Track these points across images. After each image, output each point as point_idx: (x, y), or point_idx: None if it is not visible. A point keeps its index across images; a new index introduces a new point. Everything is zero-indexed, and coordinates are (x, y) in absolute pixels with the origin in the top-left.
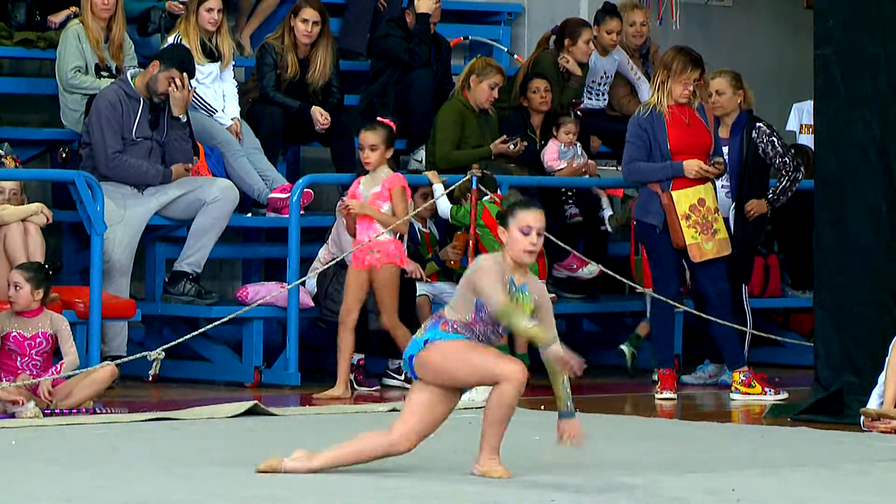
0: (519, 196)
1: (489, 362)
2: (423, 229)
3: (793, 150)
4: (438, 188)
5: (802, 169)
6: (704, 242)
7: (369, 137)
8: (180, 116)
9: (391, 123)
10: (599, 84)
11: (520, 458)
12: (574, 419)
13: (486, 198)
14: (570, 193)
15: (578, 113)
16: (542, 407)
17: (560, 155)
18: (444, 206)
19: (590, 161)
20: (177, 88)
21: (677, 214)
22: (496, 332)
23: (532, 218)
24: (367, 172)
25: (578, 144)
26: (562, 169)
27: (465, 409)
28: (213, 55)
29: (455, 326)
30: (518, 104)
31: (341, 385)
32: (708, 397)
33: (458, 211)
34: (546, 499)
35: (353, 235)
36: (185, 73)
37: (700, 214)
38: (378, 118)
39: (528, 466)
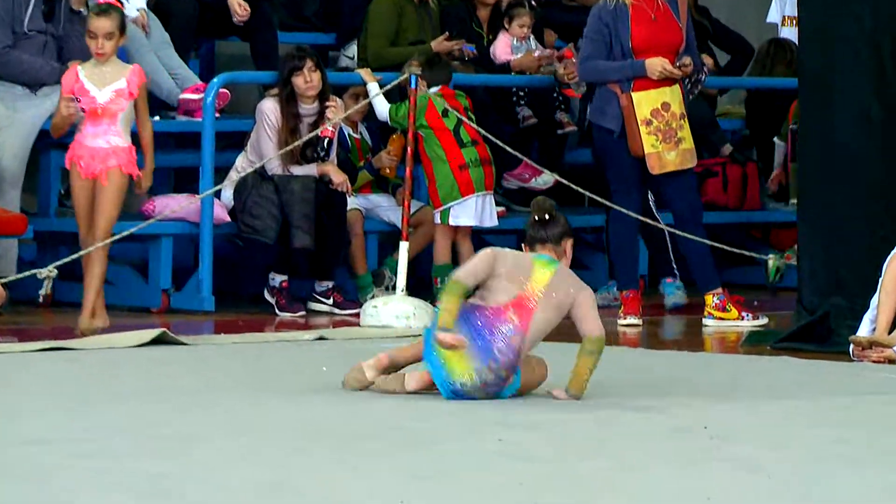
0: (536, 220)
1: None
2: (354, 134)
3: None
4: (373, 87)
5: (706, 70)
6: (665, 152)
7: (105, 24)
8: (80, 10)
9: (120, 5)
10: None
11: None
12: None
13: (432, 89)
14: (522, 93)
15: (533, 3)
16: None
17: (513, 49)
18: (381, 107)
19: (548, 51)
20: None
21: (637, 119)
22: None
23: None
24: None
25: (532, 38)
26: (517, 59)
27: (404, 336)
28: None
29: None
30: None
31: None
32: (677, 323)
33: (397, 111)
34: (492, 437)
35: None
36: None
37: (663, 120)
38: None
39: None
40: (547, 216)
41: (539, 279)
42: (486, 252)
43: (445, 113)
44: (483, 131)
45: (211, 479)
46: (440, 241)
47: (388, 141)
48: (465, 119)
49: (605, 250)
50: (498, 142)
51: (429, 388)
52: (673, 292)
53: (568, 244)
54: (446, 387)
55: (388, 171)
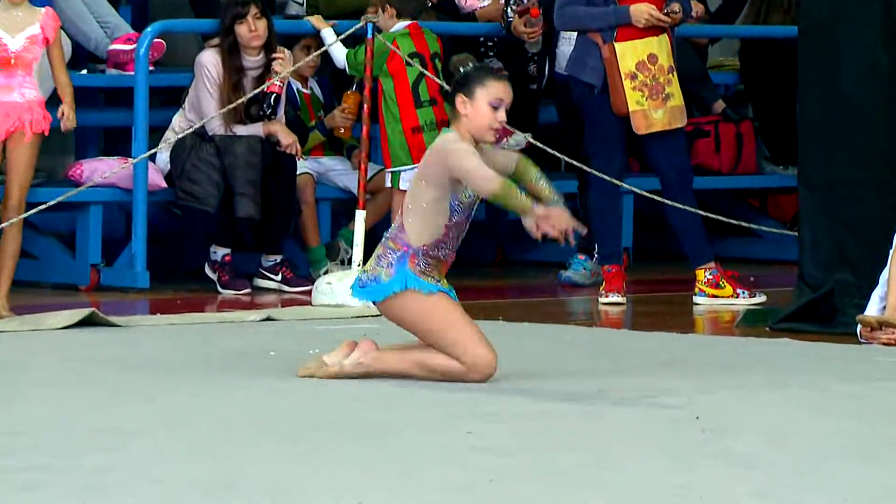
0: (475, 61)
1: (463, 345)
2: (304, 90)
3: None
4: (328, 33)
5: (695, 15)
6: (652, 110)
7: None
8: None
9: None
10: None
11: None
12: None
13: (397, 26)
14: (490, 44)
15: None
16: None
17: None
18: (338, 54)
19: None
20: None
21: (620, 72)
22: (465, 226)
23: (503, 90)
24: None
25: None
26: (484, 8)
27: (361, 316)
28: None
29: (427, 260)
30: None
31: None
32: (665, 301)
33: (356, 55)
34: (462, 429)
35: None
36: None
37: (649, 74)
38: None
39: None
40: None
41: None
42: (457, 151)
43: (409, 59)
44: (446, 86)
45: (151, 476)
46: (398, 208)
47: (341, 97)
48: (427, 73)
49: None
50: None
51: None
52: (577, 268)
53: (458, 100)
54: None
55: (342, 131)
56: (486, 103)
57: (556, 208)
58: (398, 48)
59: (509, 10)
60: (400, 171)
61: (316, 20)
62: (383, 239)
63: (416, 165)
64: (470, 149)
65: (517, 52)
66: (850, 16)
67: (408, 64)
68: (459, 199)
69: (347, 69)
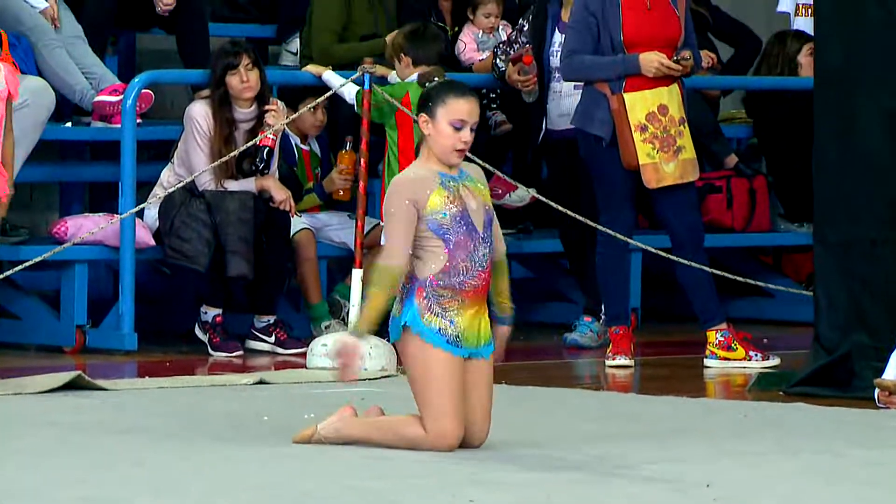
0: (445, 77)
1: (436, 411)
2: (303, 146)
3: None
4: (330, 76)
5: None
6: (664, 163)
7: None
8: None
9: None
10: None
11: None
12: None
13: (412, 77)
14: (493, 95)
15: None
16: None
17: (479, 45)
18: (349, 93)
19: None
20: None
21: (629, 124)
22: (477, 246)
23: (467, 110)
24: None
25: (502, 29)
26: (482, 61)
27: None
28: None
29: (438, 293)
30: None
31: None
32: (674, 364)
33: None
34: (463, 497)
35: None
36: None
37: (660, 126)
38: None
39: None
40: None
41: None
42: (387, 205)
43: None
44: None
45: None
46: None
47: (336, 155)
48: None
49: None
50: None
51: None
52: (584, 331)
53: (420, 120)
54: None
55: (341, 193)
56: (447, 123)
57: (352, 340)
58: (408, 100)
59: (498, 60)
60: None
61: (315, 68)
62: None
63: None
64: (400, 209)
65: (521, 104)
66: (867, 62)
67: (414, 121)
68: (437, 220)
69: (356, 109)
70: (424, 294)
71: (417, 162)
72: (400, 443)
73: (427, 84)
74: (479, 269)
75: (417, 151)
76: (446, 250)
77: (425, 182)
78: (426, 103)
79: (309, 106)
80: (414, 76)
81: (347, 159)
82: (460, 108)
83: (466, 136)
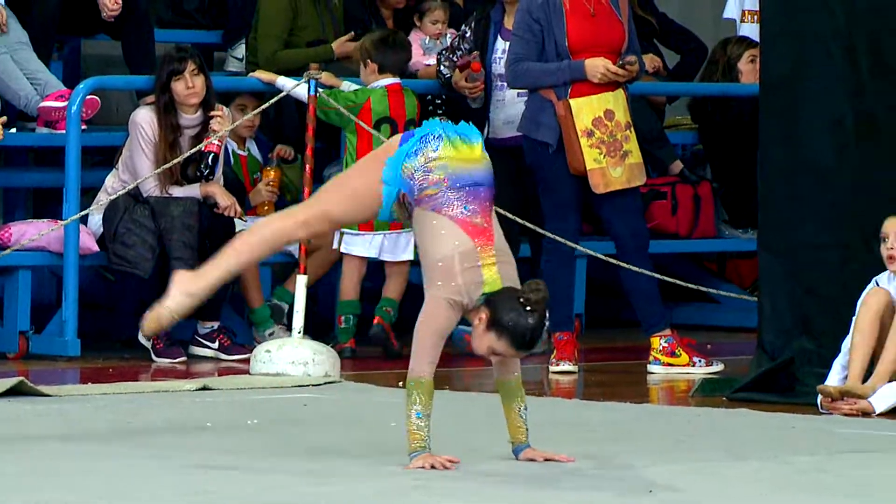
0: (528, 313)
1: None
2: (240, 151)
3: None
4: (284, 80)
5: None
6: (611, 168)
7: None
8: None
9: None
10: None
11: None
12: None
13: (377, 83)
14: (439, 101)
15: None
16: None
17: (425, 51)
18: (303, 95)
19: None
20: None
21: (576, 130)
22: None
23: (513, 353)
24: None
25: (449, 35)
26: (428, 67)
27: (300, 385)
28: None
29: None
30: None
31: None
32: (618, 369)
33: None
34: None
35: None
36: None
37: (606, 131)
38: None
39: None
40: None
41: None
42: (431, 319)
43: (378, 125)
44: None
45: None
46: (347, 272)
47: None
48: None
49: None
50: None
51: None
52: None
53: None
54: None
55: (265, 207)
56: (488, 345)
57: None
58: (369, 106)
59: (442, 67)
60: (343, 233)
61: (264, 74)
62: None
63: (361, 232)
64: (450, 322)
65: (463, 110)
66: (814, 71)
67: (376, 127)
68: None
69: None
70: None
71: (471, 285)
72: (270, 244)
73: (525, 301)
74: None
75: None
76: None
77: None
78: (497, 316)
79: (245, 119)
80: (378, 83)
81: (273, 174)
82: (508, 353)
83: (495, 360)
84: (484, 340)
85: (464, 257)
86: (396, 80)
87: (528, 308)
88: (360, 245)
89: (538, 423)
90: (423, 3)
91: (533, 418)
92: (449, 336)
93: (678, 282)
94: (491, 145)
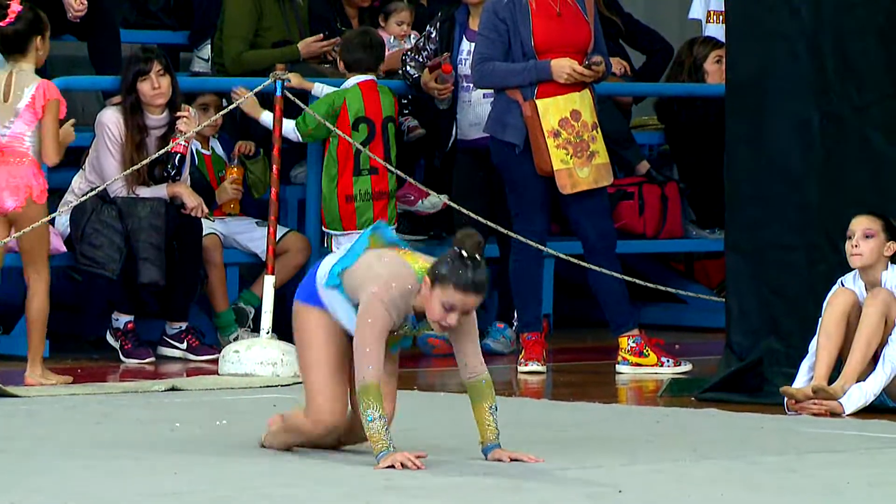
0: (464, 257)
1: (315, 385)
2: (204, 151)
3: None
4: (267, 117)
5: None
6: (578, 168)
7: None
8: None
9: None
10: None
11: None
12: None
13: (348, 82)
14: (405, 101)
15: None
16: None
17: (390, 50)
18: (289, 131)
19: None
20: None
21: (543, 130)
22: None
23: (463, 302)
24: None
25: (414, 36)
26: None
27: (269, 386)
28: None
29: None
30: None
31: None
32: (587, 370)
33: (305, 122)
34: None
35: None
36: None
37: (573, 131)
38: None
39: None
40: (478, 256)
41: None
42: (368, 314)
43: (356, 124)
44: (390, 167)
45: None
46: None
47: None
48: (372, 139)
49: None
50: (378, 159)
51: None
52: (497, 337)
53: (425, 280)
54: None
55: (232, 205)
56: (439, 302)
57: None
58: (345, 107)
59: (408, 67)
60: (332, 235)
61: (250, 107)
62: None
63: (346, 232)
64: (386, 322)
65: (430, 111)
66: (780, 72)
67: (354, 128)
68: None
69: (302, 139)
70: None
71: (408, 295)
72: (297, 438)
73: (459, 250)
74: None
75: (356, 159)
76: None
77: (399, 316)
78: (437, 270)
79: (218, 115)
80: (350, 82)
81: (236, 172)
82: (457, 299)
83: (453, 319)
84: (434, 301)
85: (388, 259)
86: (369, 76)
87: (465, 254)
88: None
89: (507, 423)
90: (388, 3)
91: (502, 419)
92: (413, 339)
93: (646, 283)
94: (459, 147)
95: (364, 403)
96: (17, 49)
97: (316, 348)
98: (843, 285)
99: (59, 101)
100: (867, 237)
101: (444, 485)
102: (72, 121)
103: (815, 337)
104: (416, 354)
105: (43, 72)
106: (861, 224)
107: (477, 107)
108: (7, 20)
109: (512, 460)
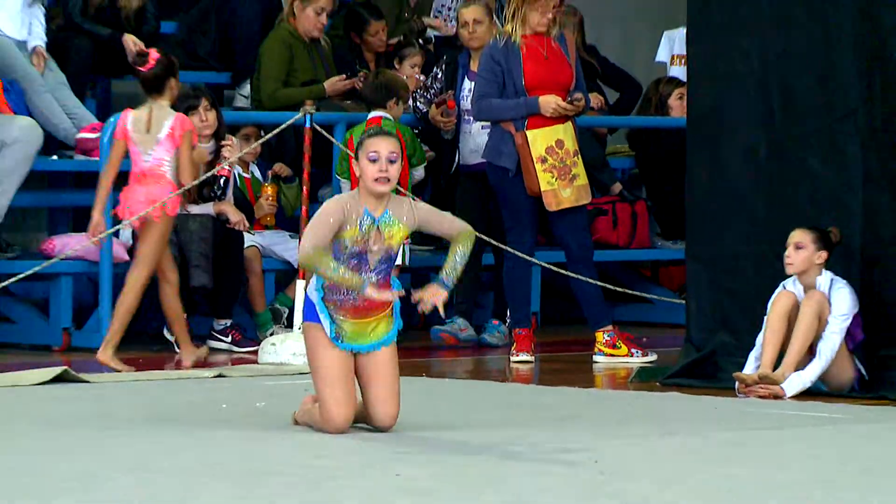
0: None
1: (325, 399)
2: (245, 174)
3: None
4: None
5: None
6: (561, 189)
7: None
8: None
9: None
10: (451, 8)
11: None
12: (445, 291)
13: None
14: (415, 131)
15: (423, 43)
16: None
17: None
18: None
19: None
20: None
21: (532, 157)
22: (375, 272)
23: (379, 144)
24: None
25: (422, 77)
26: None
27: (302, 373)
28: None
29: (332, 296)
30: (350, 41)
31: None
32: (569, 359)
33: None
34: (391, 472)
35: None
36: None
37: (557, 157)
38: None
39: (369, 432)
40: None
41: None
42: (316, 213)
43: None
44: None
45: None
46: None
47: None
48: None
49: (492, 289)
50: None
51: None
52: (492, 332)
53: (352, 166)
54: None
55: (268, 218)
56: (365, 159)
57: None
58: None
59: (418, 103)
60: None
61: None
62: None
63: None
64: (328, 214)
65: (435, 139)
66: (732, 107)
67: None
68: (339, 246)
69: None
70: (327, 289)
71: (357, 191)
72: (316, 425)
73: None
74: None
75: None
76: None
77: (350, 215)
78: (356, 151)
79: (256, 143)
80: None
81: (271, 190)
82: (372, 144)
83: (382, 165)
84: (363, 164)
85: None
86: (379, 112)
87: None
88: None
89: (502, 404)
90: (402, 48)
91: (496, 401)
92: (427, 331)
93: (618, 287)
94: (461, 171)
95: (320, 266)
96: (156, 89)
97: (320, 362)
98: (784, 288)
99: (192, 131)
100: (798, 249)
101: (449, 457)
102: (201, 145)
103: (762, 332)
104: (429, 346)
105: (107, 107)
106: (794, 238)
107: (476, 137)
108: (148, 66)
109: (419, 300)
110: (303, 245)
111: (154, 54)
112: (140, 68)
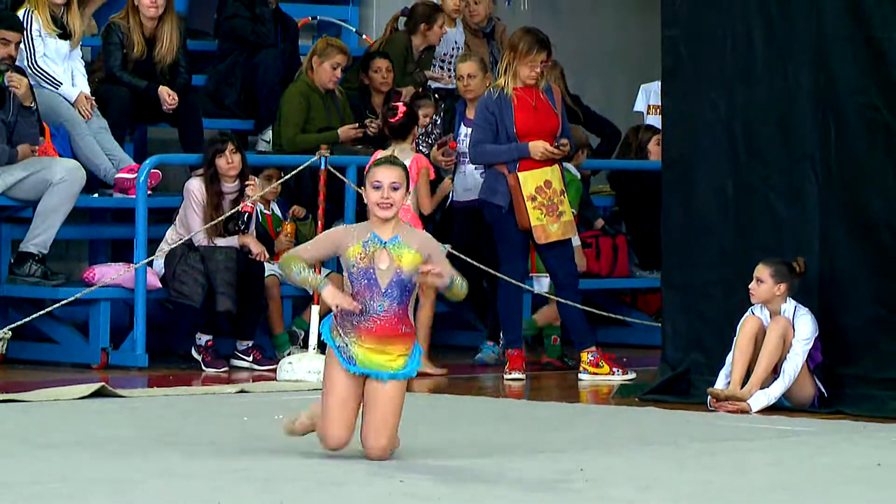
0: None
1: (324, 418)
2: (266, 211)
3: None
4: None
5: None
6: (549, 224)
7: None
8: (30, 105)
9: None
10: (453, 58)
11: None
12: (446, 280)
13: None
14: None
15: (435, 96)
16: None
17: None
18: None
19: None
20: (16, 87)
21: (523, 196)
22: (371, 297)
23: (382, 173)
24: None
25: (432, 127)
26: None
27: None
28: (64, 30)
29: (342, 322)
30: (361, 83)
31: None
32: (556, 378)
33: None
34: (394, 481)
35: None
36: (8, 31)
37: (546, 196)
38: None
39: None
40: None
41: None
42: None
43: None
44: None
45: None
46: None
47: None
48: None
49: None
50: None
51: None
52: (487, 352)
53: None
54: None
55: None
56: (370, 186)
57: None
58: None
59: (421, 147)
60: None
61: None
62: None
63: None
64: (328, 233)
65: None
66: (704, 152)
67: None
68: (349, 268)
69: None
70: (337, 319)
71: (367, 222)
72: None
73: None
74: (375, 315)
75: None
76: (351, 294)
77: (352, 235)
78: (364, 180)
79: (270, 188)
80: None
81: (290, 228)
82: (376, 173)
83: (385, 192)
84: (369, 192)
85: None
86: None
87: None
88: None
89: (496, 418)
90: (418, 99)
91: (491, 414)
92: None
93: (601, 311)
94: (455, 206)
95: (287, 269)
96: (401, 136)
97: (329, 382)
98: (752, 313)
99: (428, 168)
100: (759, 282)
101: (449, 464)
102: (448, 178)
103: (731, 352)
104: (457, 365)
105: (144, 150)
106: (756, 272)
107: (470, 177)
108: (398, 117)
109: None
110: (297, 249)
111: (402, 108)
112: (390, 119)
